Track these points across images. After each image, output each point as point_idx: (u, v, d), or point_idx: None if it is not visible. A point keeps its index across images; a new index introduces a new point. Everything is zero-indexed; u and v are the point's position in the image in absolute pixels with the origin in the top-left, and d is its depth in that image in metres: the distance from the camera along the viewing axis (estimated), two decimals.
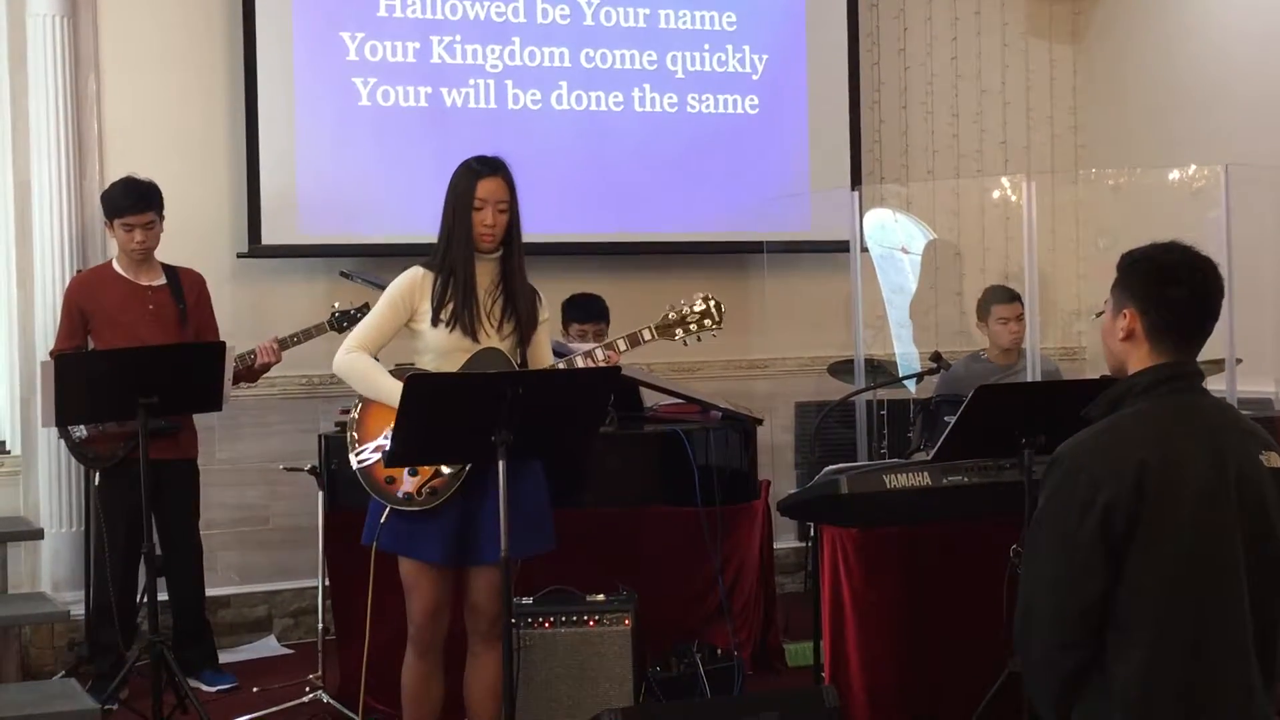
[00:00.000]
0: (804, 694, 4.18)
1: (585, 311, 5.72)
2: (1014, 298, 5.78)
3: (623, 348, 4.06)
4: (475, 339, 3.88)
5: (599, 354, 4.04)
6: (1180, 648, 2.54)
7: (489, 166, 3.91)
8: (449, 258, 3.90)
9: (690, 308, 4.13)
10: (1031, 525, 2.70)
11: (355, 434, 3.95)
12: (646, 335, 4.11)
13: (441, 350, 3.89)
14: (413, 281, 3.93)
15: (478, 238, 3.88)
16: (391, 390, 3.79)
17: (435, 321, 3.88)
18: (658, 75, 6.54)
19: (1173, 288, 2.67)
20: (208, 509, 5.55)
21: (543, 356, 4.04)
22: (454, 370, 3.85)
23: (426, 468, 3.80)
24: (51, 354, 5.10)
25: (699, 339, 4.17)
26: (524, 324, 3.95)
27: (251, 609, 6.00)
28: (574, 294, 5.79)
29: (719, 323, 4.14)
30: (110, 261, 5.30)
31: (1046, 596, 2.59)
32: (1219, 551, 2.56)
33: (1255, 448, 2.66)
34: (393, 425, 3.68)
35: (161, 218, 5.19)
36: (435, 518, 3.82)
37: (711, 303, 4.14)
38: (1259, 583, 2.60)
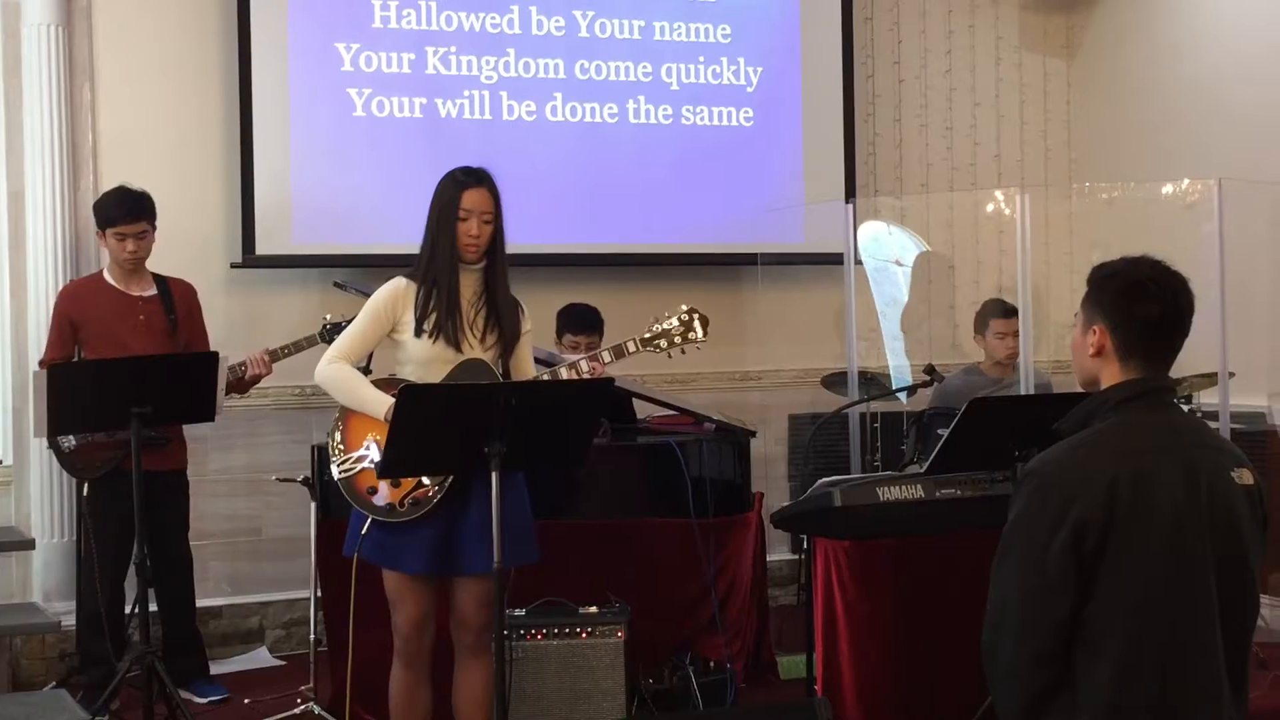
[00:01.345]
0: (797, 706, 4.15)
1: (579, 322, 5.69)
2: (1012, 312, 5.79)
3: (607, 359, 4.04)
4: (458, 350, 3.87)
5: (583, 365, 4.01)
6: (1151, 660, 2.53)
7: (474, 177, 3.90)
8: (432, 268, 3.89)
9: (673, 321, 4.11)
10: (1001, 540, 2.67)
11: (338, 444, 3.94)
12: (631, 347, 4.09)
13: (423, 361, 3.87)
14: (395, 292, 3.92)
15: (462, 249, 3.87)
16: (374, 401, 3.79)
17: (419, 332, 3.86)
18: (652, 87, 6.54)
19: (1143, 305, 2.64)
20: (200, 520, 5.54)
21: (525, 368, 4.03)
22: (436, 381, 3.82)
23: (409, 479, 3.79)
24: (41, 364, 5.08)
25: (683, 351, 4.14)
26: (507, 335, 3.94)
27: (243, 620, 5.98)
28: (569, 304, 5.78)
29: (703, 336, 4.11)
30: (100, 271, 5.29)
31: (1016, 611, 2.58)
32: (1190, 565, 2.56)
33: (1227, 464, 2.66)
34: (374, 435, 3.67)
35: (154, 227, 5.18)
36: (418, 529, 3.81)
37: (695, 316, 4.10)
38: (1228, 596, 2.59)
